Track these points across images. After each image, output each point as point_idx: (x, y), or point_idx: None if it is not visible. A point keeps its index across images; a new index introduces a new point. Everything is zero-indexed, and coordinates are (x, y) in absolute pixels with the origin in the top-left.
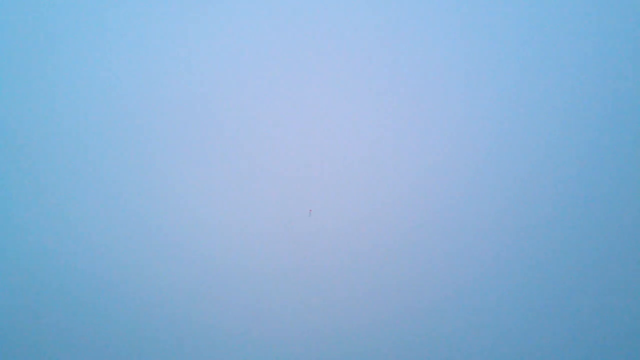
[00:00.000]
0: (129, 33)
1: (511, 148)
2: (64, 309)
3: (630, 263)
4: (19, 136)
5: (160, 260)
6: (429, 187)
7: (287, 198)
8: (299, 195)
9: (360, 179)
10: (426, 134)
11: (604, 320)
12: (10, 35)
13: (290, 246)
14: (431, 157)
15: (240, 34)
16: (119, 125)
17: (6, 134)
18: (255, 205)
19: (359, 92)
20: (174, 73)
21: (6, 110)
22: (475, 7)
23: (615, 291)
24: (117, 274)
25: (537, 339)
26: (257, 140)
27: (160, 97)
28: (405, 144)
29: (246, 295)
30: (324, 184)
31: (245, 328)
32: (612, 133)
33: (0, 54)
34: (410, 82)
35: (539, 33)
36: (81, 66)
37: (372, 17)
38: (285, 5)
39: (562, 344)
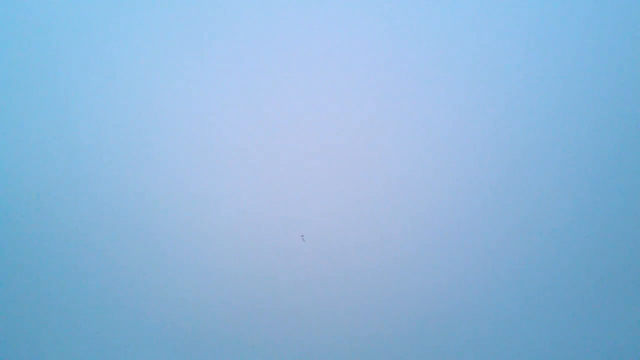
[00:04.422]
0: (127, 32)
1: (512, 153)
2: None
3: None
4: (19, 135)
5: (138, 291)
6: (428, 211)
7: (278, 223)
8: (291, 220)
9: (356, 201)
10: (423, 154)
11: (605, 323)
12: (9, 35)
13: (284, 274)
14: (430, 179)
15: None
16: (106, 131)
17: (6, 134)
18: (245, 231)
19: (354, 109)
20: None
21: (6, 110)
22: (475, 7)
23: (617, 294)
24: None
25: (539, 341)
26: (246, 163)
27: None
28: (403, 166)
29: (237, 323)
30: (316, 207)
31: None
32: (613, 133)
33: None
34: (406, 99)
35: (540, 34)
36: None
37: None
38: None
39: (564, 345)
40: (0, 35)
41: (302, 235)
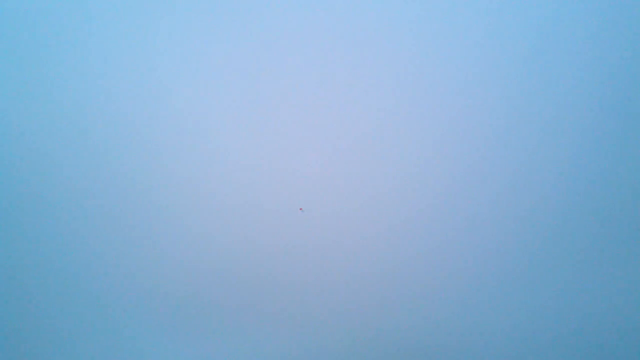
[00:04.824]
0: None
1: (511, 152)
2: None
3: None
4: (19, 137)
5: (149, 260)
6: (424, 185)
7: (277, 197)
8: (289, 193)
9: (353, 176)
10: (421, 132)
11: (604, 321)
12: (10, 36)
13: (282, 248)
14: (428, 155)
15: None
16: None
17: (7, 135)
18: (244, 205)
19: (350, 88)
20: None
21: (6, 111)
22: (475, 9)
23: (616, 292)
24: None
25: (538, 341)
26: (247, 141)
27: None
28: (400, 140)
29: (238, 296)
30: (314, 182)
31: (236, 329)
32: (612, 133)
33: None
34: (405, 79)
35: (540, 35)
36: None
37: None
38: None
39: (563, 345)
40: (1, 35)
41: (301, 209)
